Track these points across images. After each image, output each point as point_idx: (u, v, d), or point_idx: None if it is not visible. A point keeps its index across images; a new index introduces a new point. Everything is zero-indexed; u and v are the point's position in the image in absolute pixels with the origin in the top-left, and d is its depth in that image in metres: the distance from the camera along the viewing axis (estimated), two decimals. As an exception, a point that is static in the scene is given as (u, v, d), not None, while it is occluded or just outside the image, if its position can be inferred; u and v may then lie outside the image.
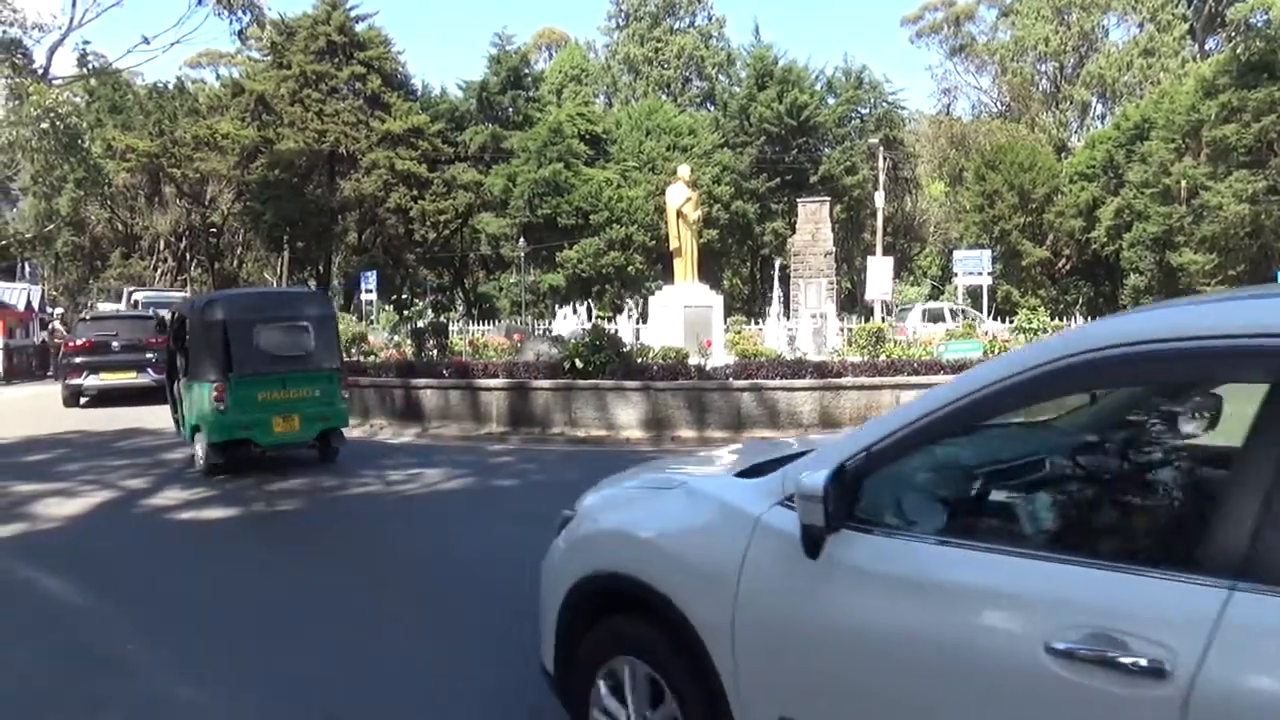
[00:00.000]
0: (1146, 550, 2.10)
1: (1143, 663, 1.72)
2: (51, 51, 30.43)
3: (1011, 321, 18.72)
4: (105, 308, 29.91)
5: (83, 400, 17.29)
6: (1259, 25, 35.30)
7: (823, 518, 2.20)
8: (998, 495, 2.40)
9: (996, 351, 13.45)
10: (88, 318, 20.71)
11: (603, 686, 2.88)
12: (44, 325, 29.27)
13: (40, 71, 29.48)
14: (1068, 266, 44.26)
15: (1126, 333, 2.04)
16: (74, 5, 29.29)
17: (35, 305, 30.25)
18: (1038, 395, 2.27)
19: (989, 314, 33.80)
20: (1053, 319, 19.13)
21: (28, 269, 45.55)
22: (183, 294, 33.50)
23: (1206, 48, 48.61)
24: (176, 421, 10.76)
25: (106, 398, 17.24)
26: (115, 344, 17.36)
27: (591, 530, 3.08)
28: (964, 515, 2.38)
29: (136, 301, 28.98)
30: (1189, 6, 49.65)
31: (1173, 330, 1.99)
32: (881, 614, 2.14)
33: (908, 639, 2.09)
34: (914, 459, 2.37)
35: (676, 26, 58.08)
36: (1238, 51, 36.10)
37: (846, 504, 2.24)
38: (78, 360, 17.25)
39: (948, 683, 2.02)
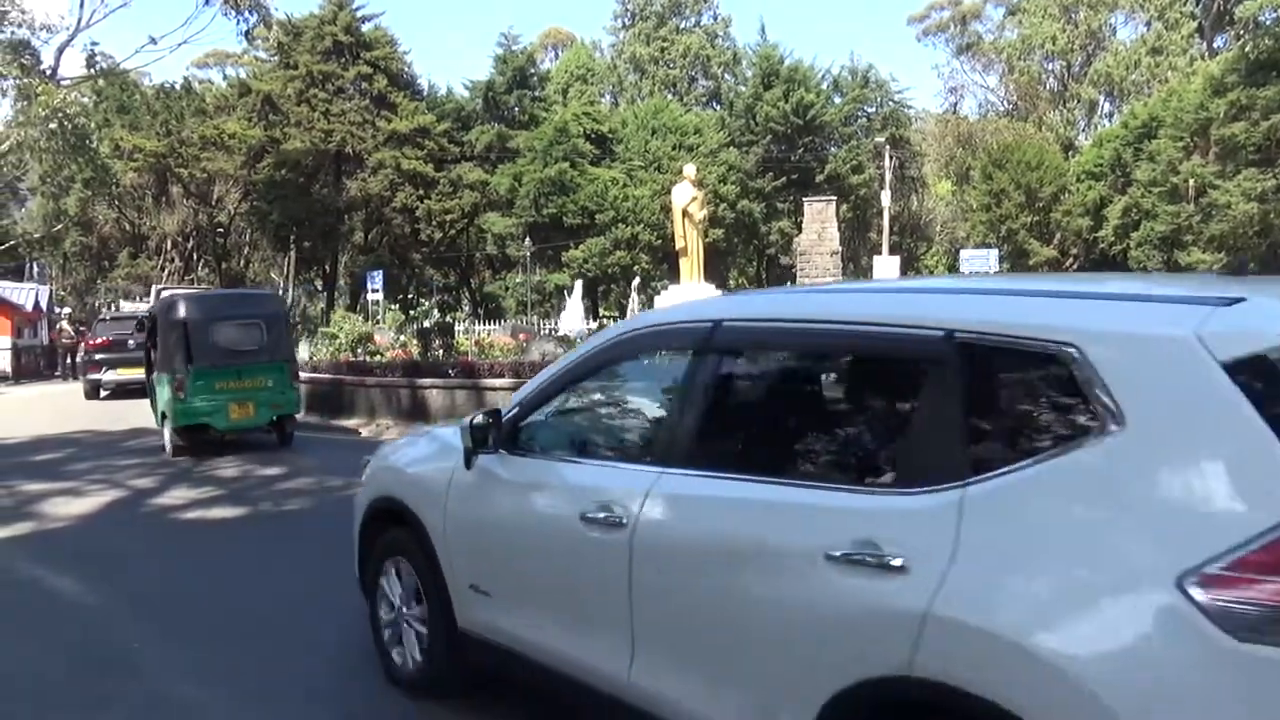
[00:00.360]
0: (644, 453, 3.19)
1: (616, 519, 2.88)
2: (59, 52, 30.56)
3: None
4: (126, 307, 30.14)
5: (102, 393, 18.92)
6: (1267, 23, 35.11)
7: (470, 443, 3.48)
8: (592, 431, 3.63)
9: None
10: (107, 318, 22.39)
11: (383, 581, 4.14)
12: (52, 325, 29.38)
13: (48, 72, 29.58)
14: (1075, 266, 44.14)
15: (647, 320, 3.41)
16: (82, 6, 29.39)
17: (43, 305, 30.38)
18: (604, 361, 3.41)
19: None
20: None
21: (36, 269, 45.75)
22: (206, 288, 33.84)
23: (1215, 46, 48.39)
24: (154, 412, 11.80)
25: (124, 391, 18.46)
26: (131, 342, 18.57)
27: (376, 468, 4.40)
28: (572, 443, 3.53)
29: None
30: (1197, 4, 49.45)
31: (660, 319, 3.38)
32: (515, 507, 3.40)
33: (531, 522, 3.31)
34: (548, 407, 3.53)
35: (682, 26, 58.06)
36: (1246, 49, 35.93)
37: (498, 436, 3.45)
38: (98, 357, 19.21)
39: (550, 548, 3.19)
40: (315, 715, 3.97)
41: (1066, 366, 2.07)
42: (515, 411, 3.53)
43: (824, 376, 2.98)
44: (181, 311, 10.92)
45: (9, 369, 25.28)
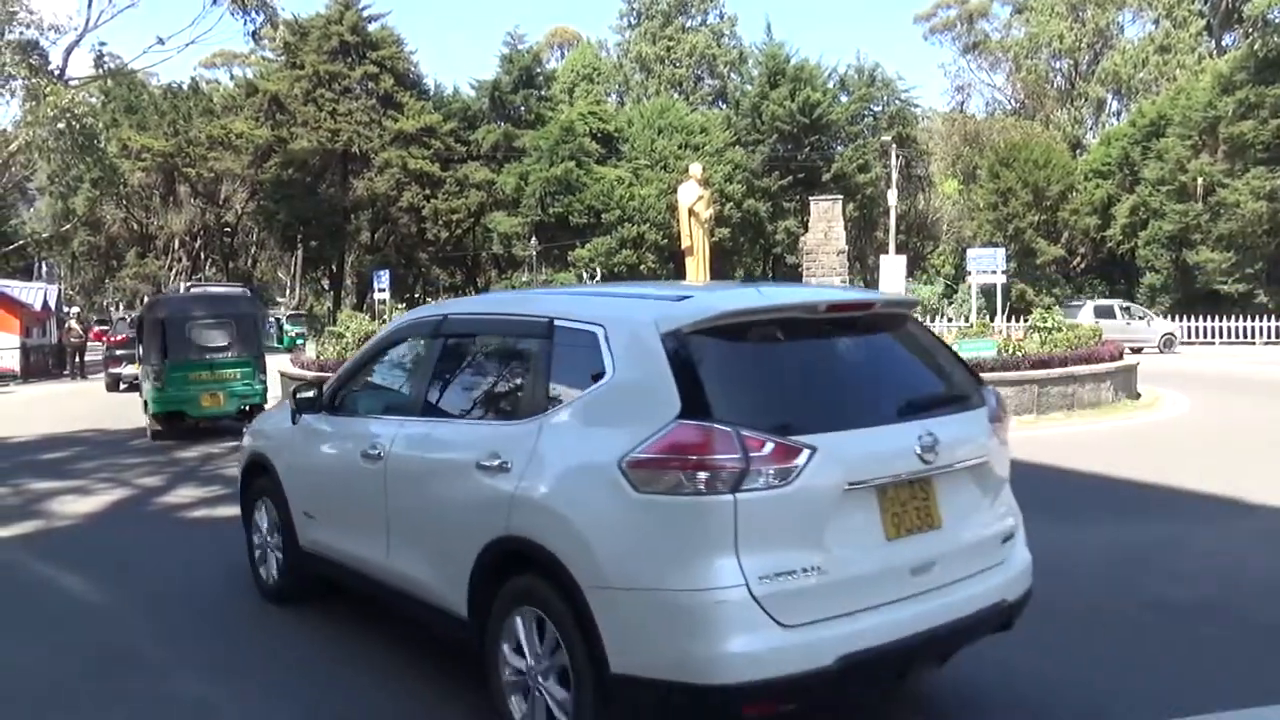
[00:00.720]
0: (395, 409, 4.41)
1: (377, 454, 4.16)
2: (68, 52, 30.67)
3: (1027, 320, 18.60)
4: None
5: (121, 385, 19.79)
6: (1276, 21, 34.93)
7: (295, 407, 4.92)
8: (371, 395, 4.76)
9: (1010, 351, 13.36)
10: (127, 318, 23.58)
11: (255, 516, 5.53)
12: (61, 324, 29.48)
13: (57, 72, 29.68)
14: (1082, 265, 43.96)
15: (409, 316, 4.87)
16: (90, 6, 29.57)
17: (51, 305, 30.49)
18: (384, 346, 4.75)
19: (1003, 313, 33.63)
20: (1067, 318, 18.99)
21: (44, 268, 45.93)
22: (243, 288, 34.25)
23: (1223, 44, 48.18)
24: (143, 401, 12.84)
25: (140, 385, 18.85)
26: None
27: (250, 431, 5.80)
28: (360, 405, 4.73)
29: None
30: (1205, 2, 49.24)
31: (415, 314, 4.85)
32: (326, 451, 4.75)
33: (335, 461, 4.66)
34: (352, 382, 4.82)
35: (688, 25, 58.00)
36: (1255, 47, 35.76)
37: (320, 402, 4.84)
38: (118, 353, 20.42)
39: (344, 478, 4.49)
40: (320, 710, 3.98)
41: (595, 339, 3.35)
42: (333, 384, 4.92)
43: (488, 349, 4.18)
44: (160, 311, 12.52)
45: (18, 368, 25.36)
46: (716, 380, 3.07)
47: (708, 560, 2.88)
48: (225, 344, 12.26)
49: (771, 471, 2.91)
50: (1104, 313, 29.42)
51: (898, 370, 3.66)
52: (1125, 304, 31.23)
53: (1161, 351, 28.28)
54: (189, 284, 34.39)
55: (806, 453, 2.95)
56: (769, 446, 2.92)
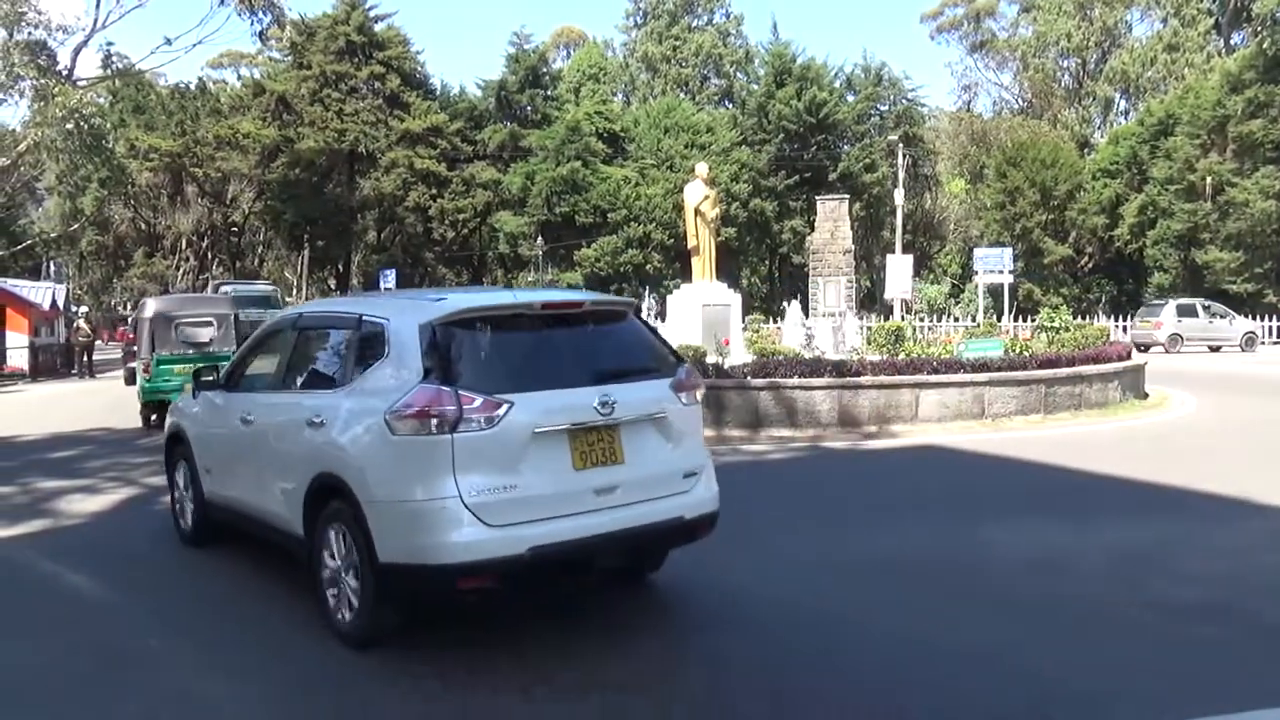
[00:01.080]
0: (263, 384, 5.77)
1: (250, 419, 5.64)
2: (76, 53, 30.73)
3: (1034, 320, 18.55)
4: None
5: (138, 379, 20.36)
6: (1286, 19, 34.77)
7: (194, 384, 6.38)
8: (251, 375, 6.04)
9: (1018, 351, 13.34)
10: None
11: (175, 477, 6.80)
12: (69, 324, 29.61)
13: (65, 73, 29.76)
14: (1090, 264, 43.81)
15: (280, 314, 6.73)
16: (98, 7, 29.48)
17: (60, 304, 30.61)
18: (264, 337, 6.12)
19: (1010, 312, 33.53)
20: (1075, 317, 18.95)
21: (52, 268, 46.09)
22: (272, 287, 34.94)
23: (1232, 42, 47.96)
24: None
25: None
26: None
27: (171, 409, 7.15)
28: (245, 382, 6.04)
29: (224, 294, 29.55)
30: (1214, 1, 49.01)
31: (283, 313, 6.56)
32: (218, 419, 6.07)
33: (224, 426, 5.95)
34: (243, 363, 6.14)
35: (694, 24, 57.95)
36: (1264, 46, 35.60)
37: (218, 380, 6.20)
38: (135, 349, 21.28)
39: (228, 438, 5.90)
40: (318, 702, 3.99)
41: (382, 330, 4.70)
42: (228, 367, 6.36)
43: (322, 338, 5.50)
44: (149, 311, 14.11)
45: (26, 367, 25.48)
46: (449, 357, 4.36)
47: (435, 480, 4.19)
48: (207, 340, 13.70)
49: (479, 419, 4.22)
50: (1186, 311, 29.23)
51: (595, 350, 4.91)
52: (1206, 303, 30.60)
53: (1243, 350, 28.11)
54: (217, 282, 34.62)
55: (506, 406, 4.26)
56: (477, 401, 4.23)
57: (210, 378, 6.30)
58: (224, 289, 31.61)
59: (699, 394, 5.08)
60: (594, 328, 4.99)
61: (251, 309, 24.39)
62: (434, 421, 4.19)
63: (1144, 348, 29.52)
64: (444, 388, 4.23)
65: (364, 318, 4.95)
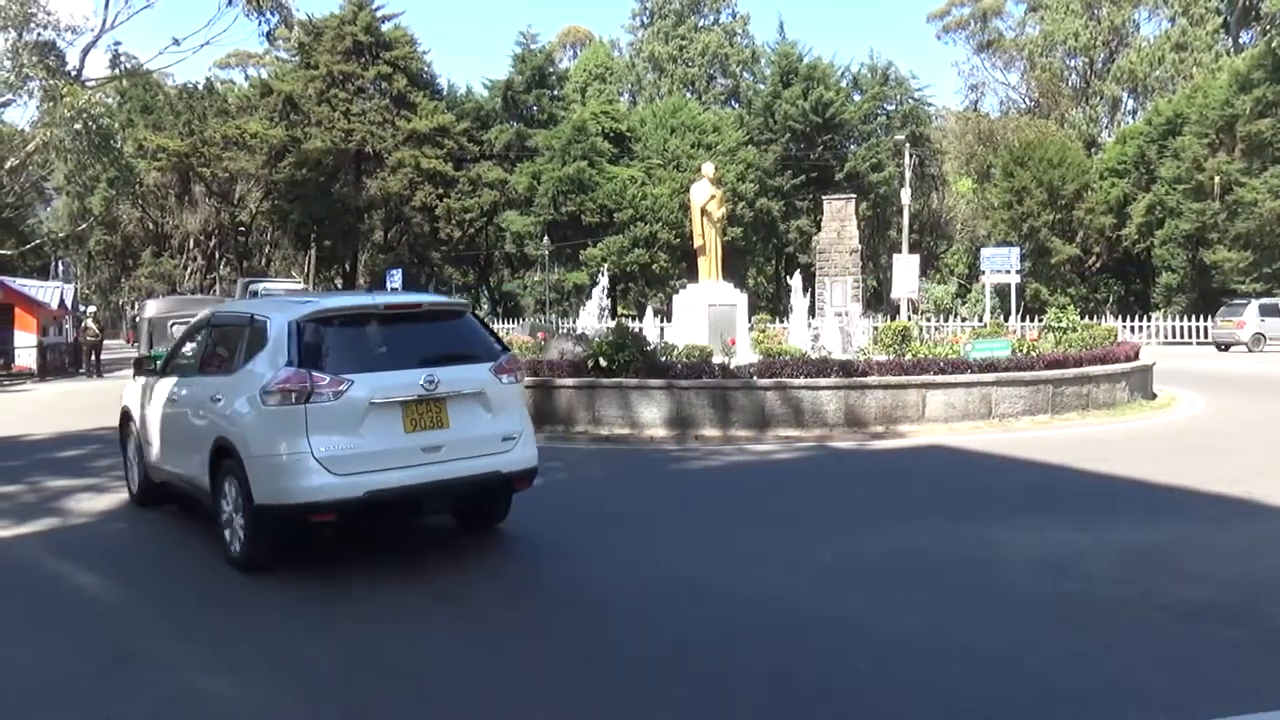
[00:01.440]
0: (186, 370, 7.11)
1: (176, 399, 7.08)
2: (84, 53, 30.86)
3: (1041, 320, 18.48)
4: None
5: None
6: (1295, 18, 34.61)
7: (135, 371, 8.13)
8: (178, 363, 7.36)
9: (1025, 351, 13.29)
10: None
11: (126, 448, 8.14)
12: (77, 323, 29.70)
13: (73, 73, 29.88)
14: (1098, 264, 43.67)
15: (202, 313, 7.75)
16: (106, 7, 29.74)
17: (68, 304, 30.72)
18: (189, 334, 7.46)
19: (1017, 312, 33.44)
20: (1082, 317, 18.86)
21: (61, 268, 46.27)
22: (301, 285, 35.38)
23: (1240, 41, 47.75)
24: None
25: None
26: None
27: (123, 393, 8.33)
28: (174, 369, 7.29)
29: (255, 292, 29.58)
30: (1222, 0, 48.80)
31: (203, 313, 7.66)
32: (154, 398, 7.35)
33: (157, 404, 7.28)
34: (175, 353, 7.56)
35: (701, 24, 57.94)
36: (1272, 45, 35.44)
37: (156, 367, 7.66)
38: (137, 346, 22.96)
39: (160, 415, 7.20)
40: (317, 692, 3.98)
41: (265, 326, 5.95)
42: (165, 357, 7.73)
43: (226, 333, 6.72)
44: (148, 312, 15.87)
45: (34, 366, 25.57)
46: (308, 346, 5.68)
47: (293, 440, 5.50)
48: None
49: (327, 393, 5.53)
50: (1269, 311, 29.09)
51: (430, 340, 6.17)
52: None
53: None
54: (247, 280, 34.69)
55: (347, 383, 5.57)
56: (325, 380, 5.55)
57: (150, 366, 7.78)
58: (253, 287, 31.67)
59: (519, 375, 6.50)
60: (430, 324, 6.34)
61: None
62: (293, 395, 5.51)
63: (1224, 347, 29.38)
64: (301, 370, 5.54)
65: (254, 316, 6.26)
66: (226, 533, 5.96)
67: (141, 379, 7.78)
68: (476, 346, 6.26)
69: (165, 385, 7.16)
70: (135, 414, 7.78)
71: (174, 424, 6.91)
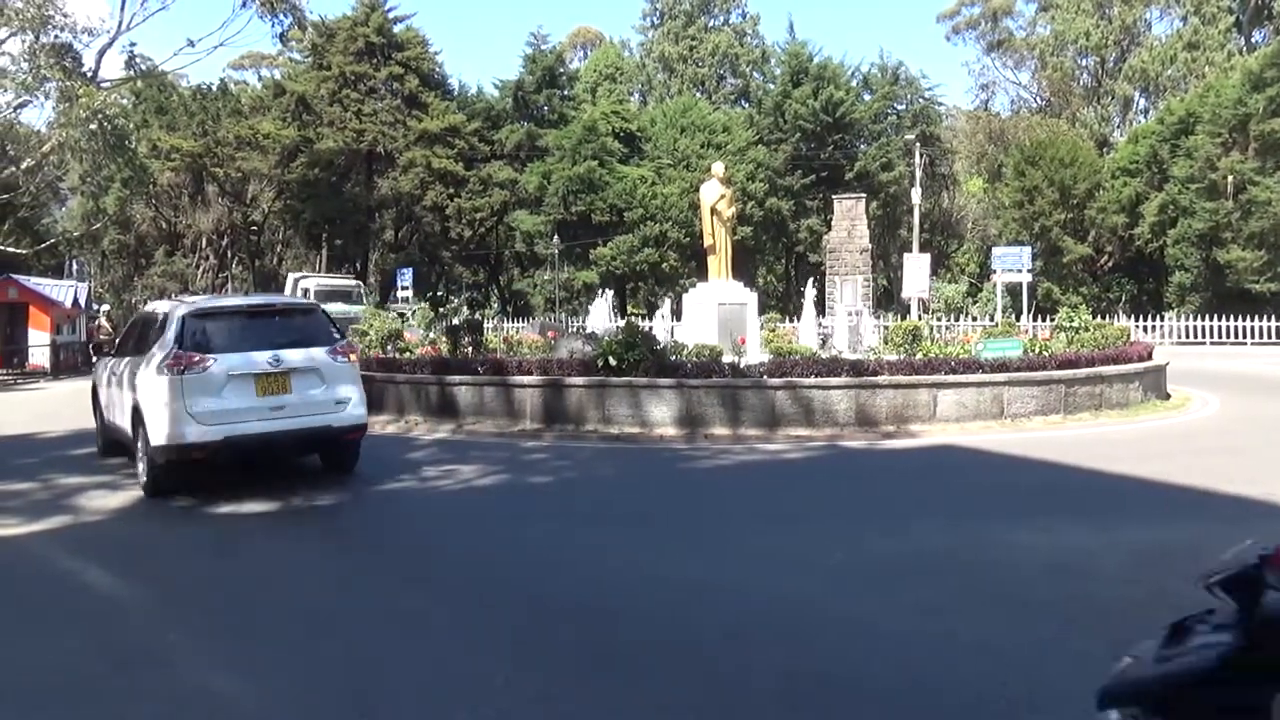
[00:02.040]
0: (131, 353, 9.52)
1: (121, 375, 9.68)
2: (100, 55, 30.98)
3: (1053, 319, 18.37)
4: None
5: None
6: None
7: (93, 353, 13.06)
8: (128, 347, 9.74)
9: (1037, 351, 13.23)
10: None
11: (96, 414, 10.85)
12: (90, 322, 29.88)
13: (89, 74, 30.02)
14: (1110, 263, 43.43)
15: (145, 309, 11.16)
16: (122, 9, 29.85)
17: (81, 302, 30.91)
18: (134, 324, 10.44)
19: (1029, 312, 33.29)
20: (1095, 317, 18.75)
21: (75, 267, 46.52)
22: (355, 281, 35.54)
23: (1253, 40, 47.43)
24: None
25: None
26: None
27: (93, 375, 11.17)
28: (126, 352, 9.56)
29: (306, 290, 29.73)
30: (1236, -2, 48.48)
31: (145, 309, 11.19)
32: (109, 376, 9.98)
33: (113, 380, 9.74)
34: (124, 342, 10.18)
35: (711, 24, 57.90)
36: (1288, 43, 35.15)
37: (108, 351, 10.72)
38: None
39: (114, 387, 9.66)
40: (319, 688, 4.00)
41: (167, 319, 8.57)
42: (119, 343, 10.20)
43: (147, 325, 9.14)
44: (147, 314, 17.14)
45: (48, 365, 25.75)
46: (189, 334, 8.13)
47: (175, 399, 7.90)
48: None
49: (198, 368, 7.96)
50: None
51: (281, 331, 8.54)
52: None
53: None
54: (297, 276, 34.73)
55: (212, 360, 8.01)
56: (196, 358, 7.98)
57: (107, 350, 10.71)
58: (303, 284, 31.62)
59: (352, 357, 8.87)
60: (284, 318, 8.85)
61: (332, 303, 23.73)
62: (177, 368, 7.92)
63: None
64: (182, 351, 8.02)
65: (162, 313, 8.78)
66: (140, 466, 8.39)
67: (103, 360, 10.45)
68: (319, 335, 8.63)
69: (112, 364, 9.78)
70: (99, 387, 10.43)
71: (114, 391, 9.45)
